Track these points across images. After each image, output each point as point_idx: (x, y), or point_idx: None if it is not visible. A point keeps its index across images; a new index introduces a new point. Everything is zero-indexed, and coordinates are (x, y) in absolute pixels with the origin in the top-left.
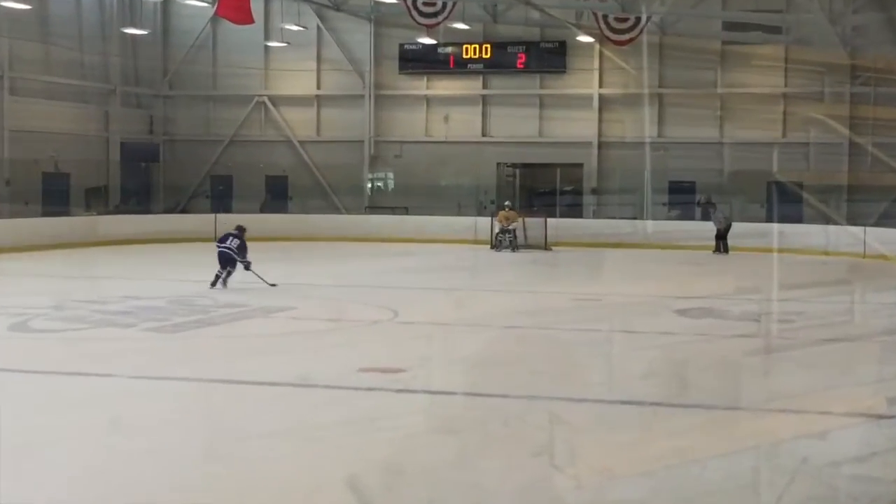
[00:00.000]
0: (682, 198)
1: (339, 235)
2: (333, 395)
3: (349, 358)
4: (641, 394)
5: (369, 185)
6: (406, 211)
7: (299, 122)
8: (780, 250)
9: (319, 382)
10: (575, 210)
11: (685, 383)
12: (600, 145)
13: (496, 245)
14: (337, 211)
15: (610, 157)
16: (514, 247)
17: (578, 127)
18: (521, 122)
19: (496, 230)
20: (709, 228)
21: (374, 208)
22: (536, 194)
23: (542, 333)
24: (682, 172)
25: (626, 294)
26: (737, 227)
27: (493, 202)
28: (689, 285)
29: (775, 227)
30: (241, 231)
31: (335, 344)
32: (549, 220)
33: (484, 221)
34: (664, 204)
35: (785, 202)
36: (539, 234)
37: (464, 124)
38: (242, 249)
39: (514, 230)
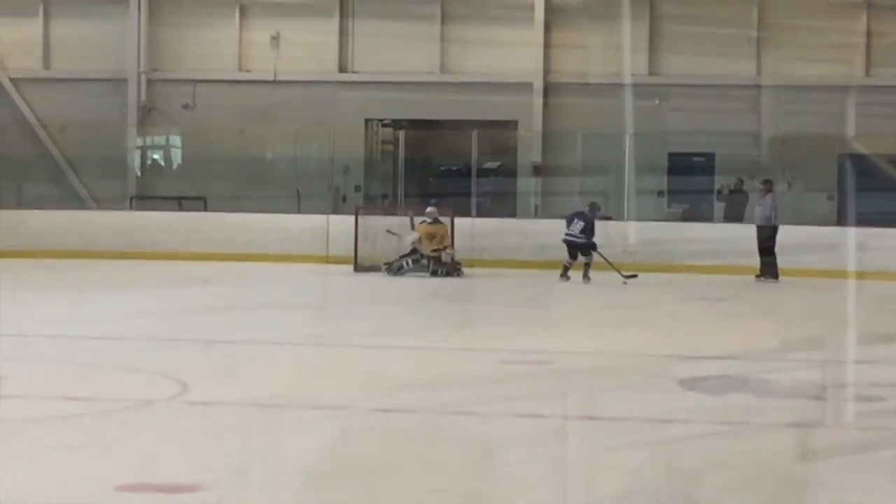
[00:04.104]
0: (693, 182)
1: (84, 247)
2: None
3: (100, 467)
4: None
5: (138, 160)
6: (204, 205)
7: (12, 46)
8: (862, 274)
9: None
10: (504, 203)
11: None
12: (548, 90)
13: (394, 268)
14: (81, 204)
15: (564, 111)
16: (446, 269)
17: (510, 57)
18: (409, 48)
19: (408, 249)
20: (742, 237)
21: (146, 199)
22: (436, 176)
23: (444, 422)
24: (691, 139)
25: (592, 351)
26: (786, 233)
27: (358, 188)
28: (703, 335)
29: (852, 232)
30: (593, 210)
31: (75, 443)
32: (459, 220)
33: (342, 222)
34: (659, 193)
35: (868, 190)
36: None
37: (308, 52)
38: (590, 232)
39: (443, 250)
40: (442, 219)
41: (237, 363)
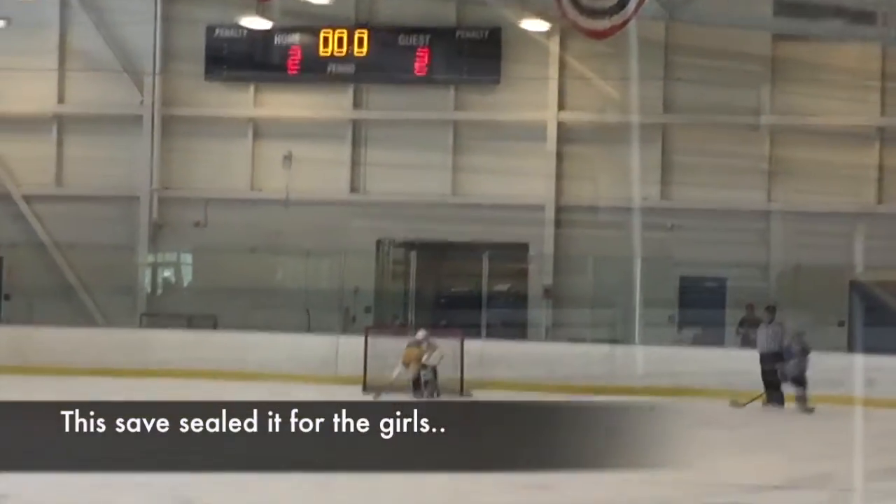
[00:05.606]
0: (704, 307)
1: (93, 364)
2: None
3: None
4: None
5: (149, 277)
6: (213, 323)
7: (25, 163)
8: (871, 402)
9: None
10: (514, 326)
11: None
12: (559, 213)
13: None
14: (91, 321)
15: (576, 235)
16: (433, 391)
17: (521, 181)
18: (421, 170)
19: (398, 375)
20: (753, 362)
21: (156, 317)
22: (446, 297)
23: None
24: (702, 265)
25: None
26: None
27: (368, 310)
28: (714, 466)
29: (860, 361)
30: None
31: None
32: (468, 342)
33: (352, 344)
34: (670, 318)
35: (879, 320)
36: (451, 367)
37: (320, 171)
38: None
39: (434, 368)
40: (447, 341)
41: (243, 486)
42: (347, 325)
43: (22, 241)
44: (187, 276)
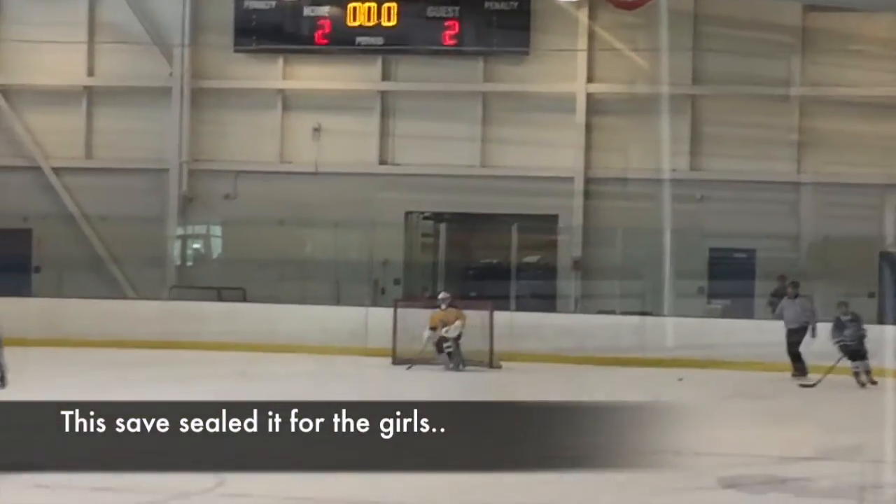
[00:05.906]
0: (733, 278)
1: (122, 336)
2: None
3: None
4: None
5: (178, 249)
6: (243, 295)
7: (55, 135)
8: None
9: None
10: (543, 298)
11: None
12: (588, 185)
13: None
14: (120, 293)
15: (605, 206)
16: (458, 362)
17: (550, 152)
18: (450, 141)
19: (428, 338)
20: (781, 334)
21: (186, 289)
22: (475, 269)
23: None
24: (731, 237)
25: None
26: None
27: (398, 282)
28: (743, 437)
29: (890, 332)
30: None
31: None
32: (497, 314)
33: (381, 316)
34: (699, 290)
35: None
36: (480, 339)
37: (349, 143)
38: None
39: (458, 337)
40: (477, 313)
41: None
42: (377, 297)
43: (52, 213)
44: (217, 249)
